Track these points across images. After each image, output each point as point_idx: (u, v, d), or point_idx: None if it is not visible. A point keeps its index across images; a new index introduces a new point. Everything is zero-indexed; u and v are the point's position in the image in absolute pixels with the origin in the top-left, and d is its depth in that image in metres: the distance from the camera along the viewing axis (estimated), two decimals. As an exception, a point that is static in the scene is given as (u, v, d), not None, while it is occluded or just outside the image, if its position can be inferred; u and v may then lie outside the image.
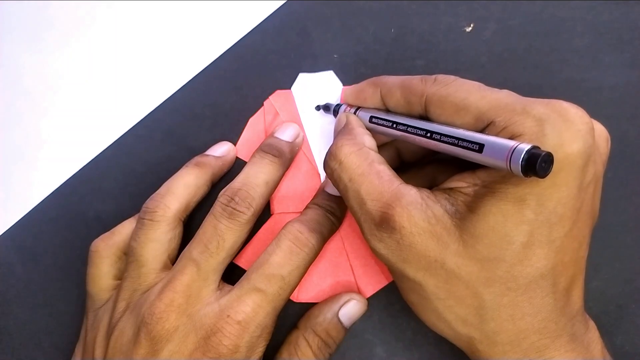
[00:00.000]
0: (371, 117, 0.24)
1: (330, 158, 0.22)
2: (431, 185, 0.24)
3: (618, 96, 0.28)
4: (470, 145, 0.18)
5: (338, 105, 0.27)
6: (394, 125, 0.22)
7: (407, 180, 0.20)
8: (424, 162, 0.25)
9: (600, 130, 0.20)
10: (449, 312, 0.19)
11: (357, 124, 0.24)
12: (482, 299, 0.18)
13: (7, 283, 0.29)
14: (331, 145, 0.22)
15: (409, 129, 0.21)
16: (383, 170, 0.20)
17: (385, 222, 0.19)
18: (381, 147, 0.25)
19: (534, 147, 0.16)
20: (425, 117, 0.22)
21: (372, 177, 0.20)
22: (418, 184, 0.20)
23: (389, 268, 0.21)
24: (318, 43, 0.30)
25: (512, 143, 0.16)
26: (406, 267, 0.19)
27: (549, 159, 0.16)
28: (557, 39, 0.29)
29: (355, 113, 0.25)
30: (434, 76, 0.21)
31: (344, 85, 0.29)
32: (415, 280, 0.19)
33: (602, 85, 0.28)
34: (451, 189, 0.20)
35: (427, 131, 0.20)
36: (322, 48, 0.30)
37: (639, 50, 0.28)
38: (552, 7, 0.29)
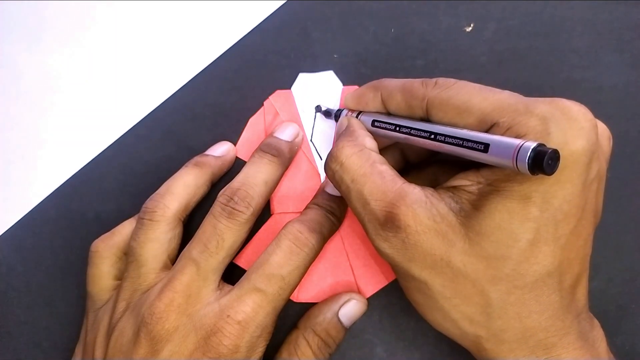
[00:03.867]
0: (373, 120, 0.24)
1: (331, 160, 0.22)
2: (433, 184, 0.24)
3: (618, 96, 0.28)
4: (475, 146, 0.18)
5: (339, 111, 0.27)
6: (397, 128, 0.22)
7: (409, 179, 0.20)
8: (426, 163, 0.25)
9: (602, 129, 0.20)
10: (455, 311, 0.19)
11: (359, 126, 0.24)
12: (488, 297, 0.18)
13: (7, 283, 0.29)
14: (332, 148, 0.22)
15: (412, 131, 0.21)
16: (385, 170, 0.20)
17: (390, 222, 0.19)
18: (386, 149, 0.26)
19: (539, 145, 0.16)
20: (426, 120, 0.22)
21: (375, 177, 0.20)
22: (419, 183, 0.20)
23: (394, 268, 0.21)
24: (318, 43, 0.30)
25: (517, 142, 0.16)
26: (412, 266, 0.19)
27: (555, 156, 0.16)
28: (557, 39, 0.29)
29: (357, 117, 0.25)
30: (434, 79, 0.21)
31: (344, 85, 0.29)
32: (420, 279, 0.19)
33: (602, 85, 0.28)
34: (455, 187, 0.20)
35: (431, 133, 0.20)
36: (322, 48, 0.30)
37: (639, 50, 0.28)
38: (552, 7, 0.29)
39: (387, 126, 0.23)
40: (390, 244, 0.19)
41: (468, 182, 0.19)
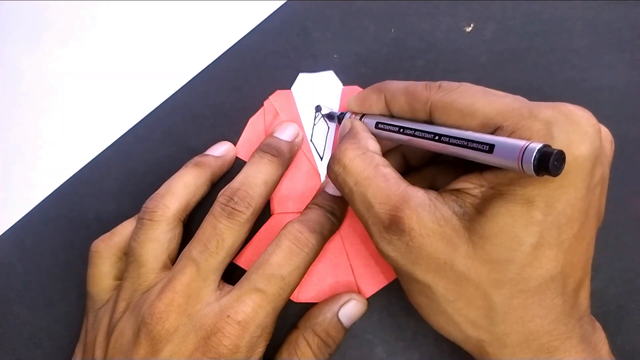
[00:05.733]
0: (377, 123, 0.24)
1: (333, 162, 0.22)
2: (431, 186, 0.24)
3: (618, 96, 0.28)
4: (480, 147, 0.18)
5: (342, 114, 0.27)
6: (401, 130, 0.22)
7: (407, 181, 0.20)
8: (425, 165, 0.25)
9: (605, 132, 0.20)
10: (458, 314, 0.19)
11: (362, 128, 0.24)
12: (492, 300, 0.18)
13: (7, 283, 0.29)
14: (335, 150, 0.22)
15: (416, 132, 0.21)
16: (389, 172, 0.20)
17: (394, 225, 0.19)
18: (387, 153, 0.26)
19: (545, 146, 0.16)
20: (429, 123, 0.22)
21: (379, 179, 0.20)
22: (418, 185, 0.20)
23: (397, 271, 0.21)
24: (318, 43, 0.30)
25: (523, 142, 0.16)
26: (415, 269, 0.19)
27: (561, 157, 0.16)
28: (557, 39, 0.29)
29: (360, 120, 0.25)
30: (438, 83, 0.21)
31: (344, 85, 0.29)
32: (424, 282, 0.19)
33: (602, 85, 0.28)
34: (458, 190, 0.19)
35: (435, 134, 0.20)
36: (322, 48, 0.30)
37: (639, 50, 0.28)
38: (552, 7, 0.29)
39: (391, 128, 0.23)
40: (394, 247, 0.19)
41: (471, 185, 0.19)
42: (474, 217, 0.18)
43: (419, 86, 0.22)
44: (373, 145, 0.22)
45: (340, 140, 0.24)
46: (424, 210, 0.19)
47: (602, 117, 0.20)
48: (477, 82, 0.28)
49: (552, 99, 0.28)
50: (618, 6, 0.29)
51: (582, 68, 0.28)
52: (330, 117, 0.28)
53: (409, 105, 0.22)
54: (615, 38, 0.29)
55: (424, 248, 0.19)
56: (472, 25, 0.29)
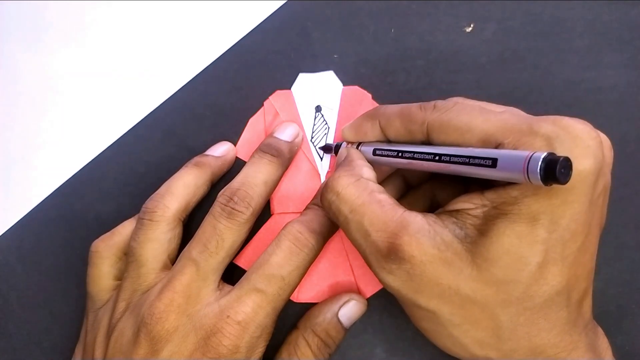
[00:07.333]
0: (374, 149, 0.23)
1: (327, 190, 0.21)
2: (432, 202, 0.24)
3: (618, 96, 0.28)
4: (482, 162, 0.17)
5: (339, 144, 0.26)
6: (400, 154, 0.22)
7: (408, 200, 0.20)
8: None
9: (604, 140, 0.20)
10: (465, 336, 0.19)
11: (357, 156, 0.23)
12: (499, 320, 0.18)
13: (7, 283, 0.29)
14: (328, 178, 0.22)
15: (415, 155, 0.21)
16: (384, 199, 0.20)
17: (393, 253, 0.19)
18: (387, 177, 0.25)
19: (550, 154, 0.15)
20: (427, 144, 0.21)
21: (374, 206, 0.20)
22: (419, 203, 0.20)
23: (400, 299, 0.21)
24: (318, 43, 0.30)
25: (526, 153, 0.16)
26: (419, 297, 0.19)
27: (567, 164, 0.15)
28: (557, 39, 0.29)
29: (357, 148, 0.24)
30: (432, 103, 0.21)
31: (344, 85, 0.29)
32: (428, 309, 0.19)
33: (602, 85, 0.28)
34: (458, 211, 0.19)
35: (435, 154, 0.20)
36: (322, 48, 0.30)
37: (639, 50, 0.28)
38: (552, 7, 0.29)
39: (389, 153, 0.22)
40: (395, 276, 0.19)
41: (472, 206, 0.19)
42: (476, 239, 0.18)
43: (413, 107, 0.21)
44: (368, 173, 0.22)
45: (335, 169, 0.24)
46: (424, 236, 0.18)
47: (602, 117, 0.20)
48: (477, 82, 0.28)
49: (552, 99, 0.28)
50: (618, 6, 0.29)
51: (582, 68, 0.28)
52: (326, 149, 0.28)
53: (405, 127, 0.22)
54: (615, 38, 0.29)
55: (426, 275, 0.18)
56: (472, 25, 0.29)
